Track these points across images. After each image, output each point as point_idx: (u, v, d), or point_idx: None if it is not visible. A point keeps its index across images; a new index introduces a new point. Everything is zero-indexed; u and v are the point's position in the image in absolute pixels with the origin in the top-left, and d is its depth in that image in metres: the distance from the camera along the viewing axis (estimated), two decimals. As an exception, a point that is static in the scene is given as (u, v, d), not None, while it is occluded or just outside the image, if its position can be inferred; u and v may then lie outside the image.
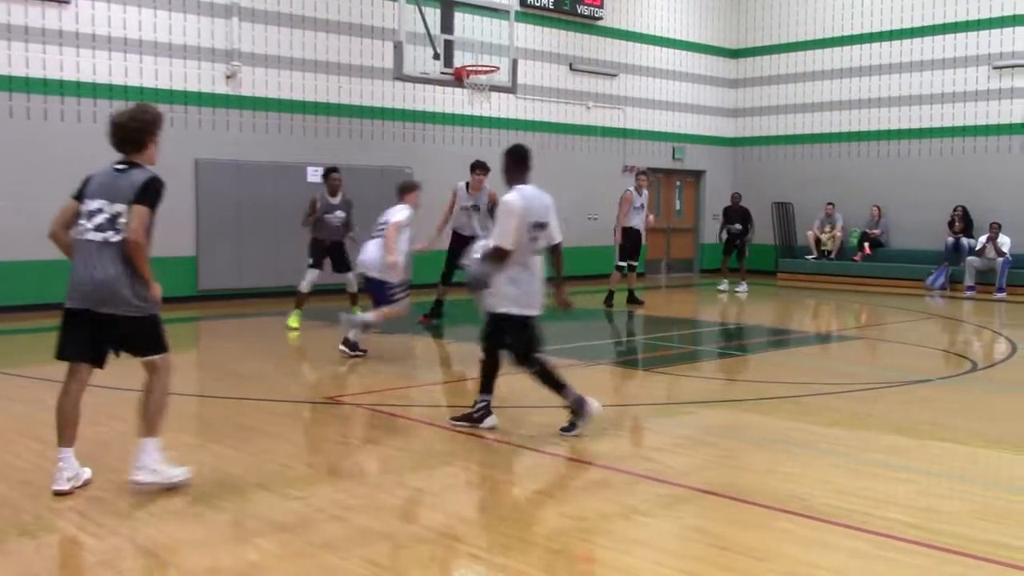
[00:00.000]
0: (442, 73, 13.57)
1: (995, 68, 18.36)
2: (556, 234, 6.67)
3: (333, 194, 11.38)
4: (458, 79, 13.49)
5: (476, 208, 11.80)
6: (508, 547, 4.49)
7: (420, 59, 13.77)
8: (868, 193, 19.81)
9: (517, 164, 6.63)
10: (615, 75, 19.97)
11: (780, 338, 12.87)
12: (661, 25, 20.82)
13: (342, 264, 11.50)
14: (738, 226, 17.72)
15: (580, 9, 19.03)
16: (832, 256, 19.85)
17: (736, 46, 22.29)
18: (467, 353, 11.03)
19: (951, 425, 7.16)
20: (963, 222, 18.24)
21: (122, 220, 4.98)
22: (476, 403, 6.65)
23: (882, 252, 19.45)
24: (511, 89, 14.39)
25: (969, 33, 18.68)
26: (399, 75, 13.15)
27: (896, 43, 19.69)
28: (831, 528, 4.68)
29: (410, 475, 5.67)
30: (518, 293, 6.44)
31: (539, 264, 6.60)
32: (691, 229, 22.28)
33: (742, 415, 7.52)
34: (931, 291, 17.58)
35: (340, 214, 11.36)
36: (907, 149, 19.55)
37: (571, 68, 19.14)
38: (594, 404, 6.45)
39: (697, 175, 22.09)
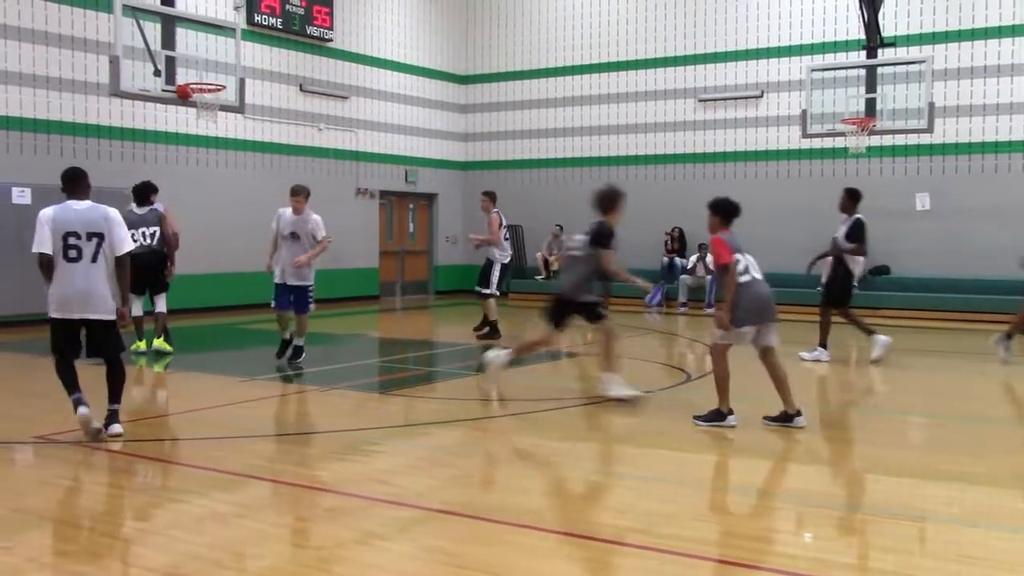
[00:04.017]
0: (164, 90, 12.99)
1: (700, 101, 19.89)
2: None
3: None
4: (182, 97, 12.96)
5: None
6: (241, 583, 4.31)
7: (140, 75, 13.14)
8: (592, 216, 20.74)
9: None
10: (346, 97, 19.90)
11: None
12: (391, 49, 20.99)
13: None
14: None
15: (310, 30, 18.83)
16: (559, 276, 20.68)
17: (465, 72, 22.84)
18: (190, 381, 10.55)
19: (667, 432, 7.62)
20: (678, 243, 19.55)
21: None
22: None
23: (604, 272, 20.44)
24: (239, 108, 13.99)
25: (677, 68, 20.15)
26: (116, 91, 12.44)
27: (613, 75, 20.90)
28: (563, 539, 4.85)
29: (133, 515, 5.33)
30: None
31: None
32: (425, 251, 22.53)
33: (478, 434, 7.65)
34: (649, 308, 18.70)
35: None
36: (627, 174, 20.73)
37: (301, 89, 18.88)
38: None
39: (430, 198, 22.38)
